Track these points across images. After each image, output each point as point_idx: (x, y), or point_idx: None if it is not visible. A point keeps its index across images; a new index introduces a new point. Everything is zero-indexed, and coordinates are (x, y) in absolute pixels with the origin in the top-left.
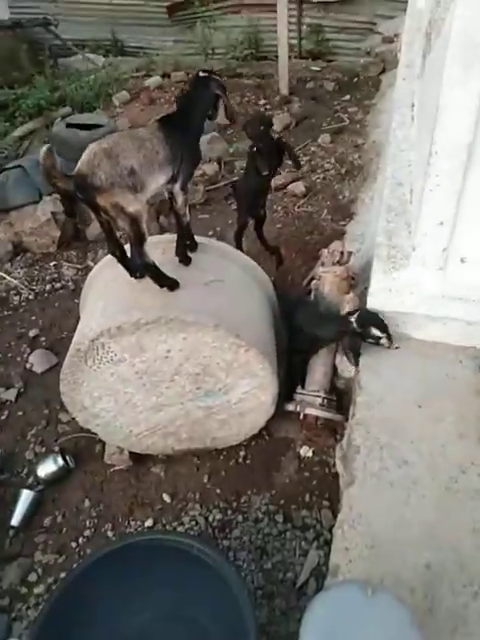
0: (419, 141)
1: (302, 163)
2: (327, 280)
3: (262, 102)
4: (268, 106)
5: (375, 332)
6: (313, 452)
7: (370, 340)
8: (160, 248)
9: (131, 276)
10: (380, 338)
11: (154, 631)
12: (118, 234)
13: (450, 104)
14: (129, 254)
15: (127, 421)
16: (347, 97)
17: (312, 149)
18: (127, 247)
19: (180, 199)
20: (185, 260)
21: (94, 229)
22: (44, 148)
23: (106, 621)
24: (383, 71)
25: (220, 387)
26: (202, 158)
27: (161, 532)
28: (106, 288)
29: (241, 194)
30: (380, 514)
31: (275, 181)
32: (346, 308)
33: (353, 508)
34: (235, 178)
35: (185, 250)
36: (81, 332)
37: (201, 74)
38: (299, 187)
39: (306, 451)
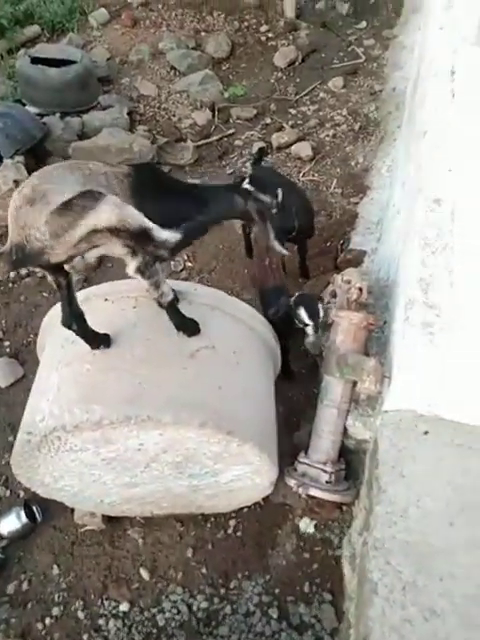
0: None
1: (308, 113)
2: (341, 327)
3: (263, 29)
4: (270, 34)
5: (303, 316)
6: (314, 527)
7: (298, 324)
8: (132, 301)
9: (92, 348)
10: (307, 325)
11: None
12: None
13: None
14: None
15: (97, 493)
16: (363, 24)
17: (321, 95)
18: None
19: (144, 282)
20: None
21: None
22: None
23: None
24: None
25: (207, 471)
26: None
27: None
28: (64, 352)
29: None
30: None
31: (278, 139)
32: (366, 382)
33: None
34: (232, 130)
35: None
36: (31, 417)
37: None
38: (305, 149)
39: (307, 525)
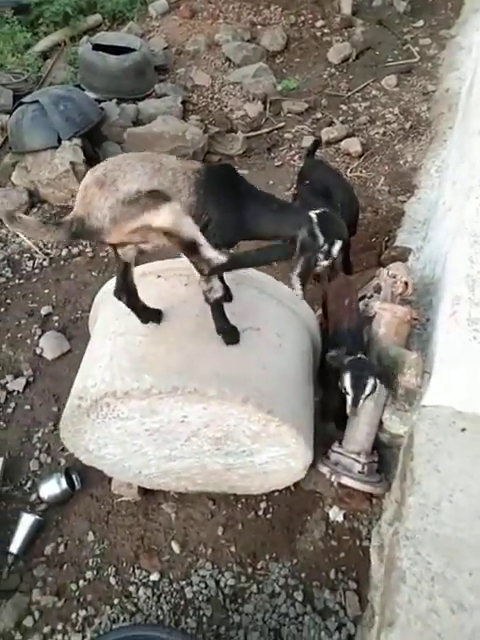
0: None
1: (359, 110)
2: (384, 320)
3: (319, 24)
4: (326, 30)
5: (345, 382)
6: (344, 516)
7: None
8: (183, 279)
9: (142, 322)
10: (347, 394)
11: None
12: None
13: None
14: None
15: (136, 464)
16: (420, 23)
17: (373, 93)
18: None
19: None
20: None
21: None
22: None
23: None
24: None
25: (244, 450)
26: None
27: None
28: (118, 323)
29: None
30: None
31: (328, 134)
32: (407, 374)
33: None
34: (282, 123)
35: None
36: (83, 382)
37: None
38: (354, 145)
39: (336, 514)
